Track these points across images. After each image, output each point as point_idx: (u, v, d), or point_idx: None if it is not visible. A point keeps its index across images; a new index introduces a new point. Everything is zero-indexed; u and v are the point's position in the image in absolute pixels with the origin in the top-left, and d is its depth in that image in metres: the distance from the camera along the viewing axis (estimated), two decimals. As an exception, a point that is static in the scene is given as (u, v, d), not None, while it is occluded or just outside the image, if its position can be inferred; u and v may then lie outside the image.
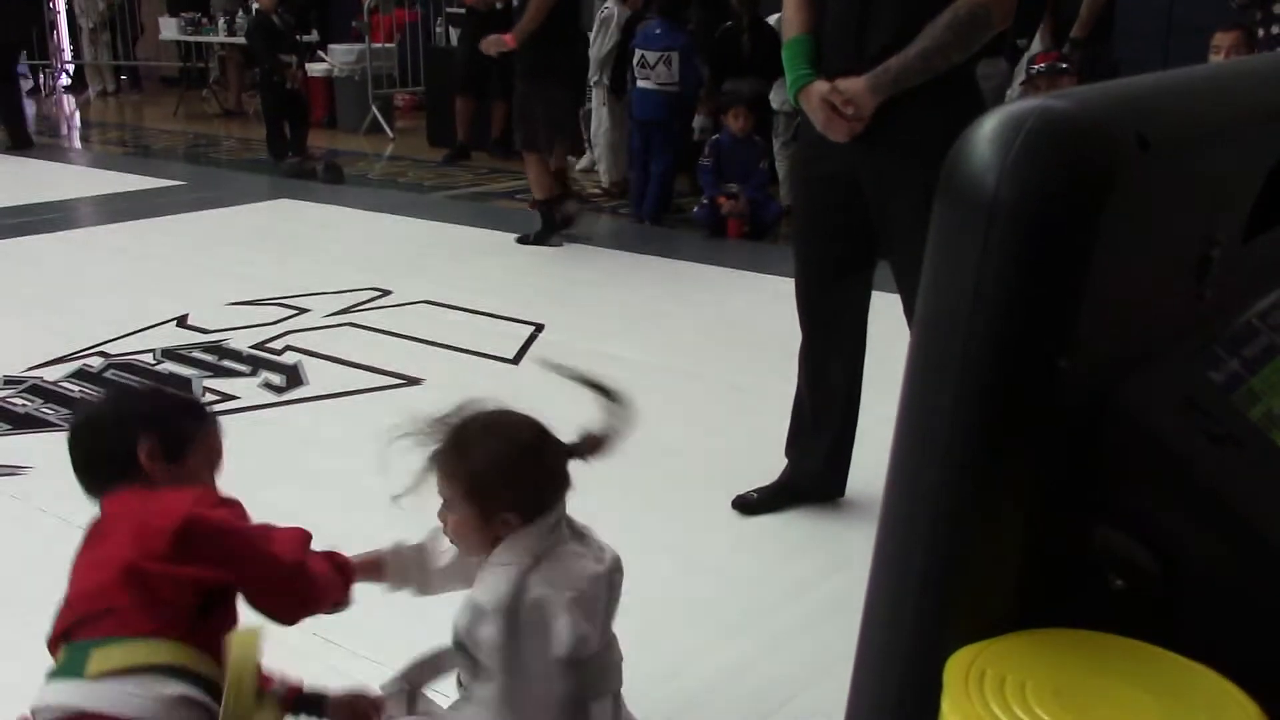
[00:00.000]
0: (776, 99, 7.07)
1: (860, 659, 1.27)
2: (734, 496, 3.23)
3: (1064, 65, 6.20)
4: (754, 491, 3.24)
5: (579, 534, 1.83)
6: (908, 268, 2.76)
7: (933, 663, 1.13)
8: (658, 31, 7.17)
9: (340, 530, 2.95)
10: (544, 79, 6.28)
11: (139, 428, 1.76)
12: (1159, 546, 1.16)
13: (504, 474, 1.75)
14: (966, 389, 1.10)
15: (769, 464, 3.27)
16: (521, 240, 6.46)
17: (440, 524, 1.83)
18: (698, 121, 7.67)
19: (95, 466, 1.79)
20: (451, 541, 1.84)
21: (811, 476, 3.23)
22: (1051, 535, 1.17)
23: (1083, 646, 1.17)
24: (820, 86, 2.76)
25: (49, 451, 3.56)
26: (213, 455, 1.85)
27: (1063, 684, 1.12)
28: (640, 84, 7.20)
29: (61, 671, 1.66)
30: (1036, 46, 7.00)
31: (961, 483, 1.12)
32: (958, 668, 1.13)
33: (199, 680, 1.62)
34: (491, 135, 9.60)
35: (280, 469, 3.39)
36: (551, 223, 6.52)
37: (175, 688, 1.59)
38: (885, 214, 2.83)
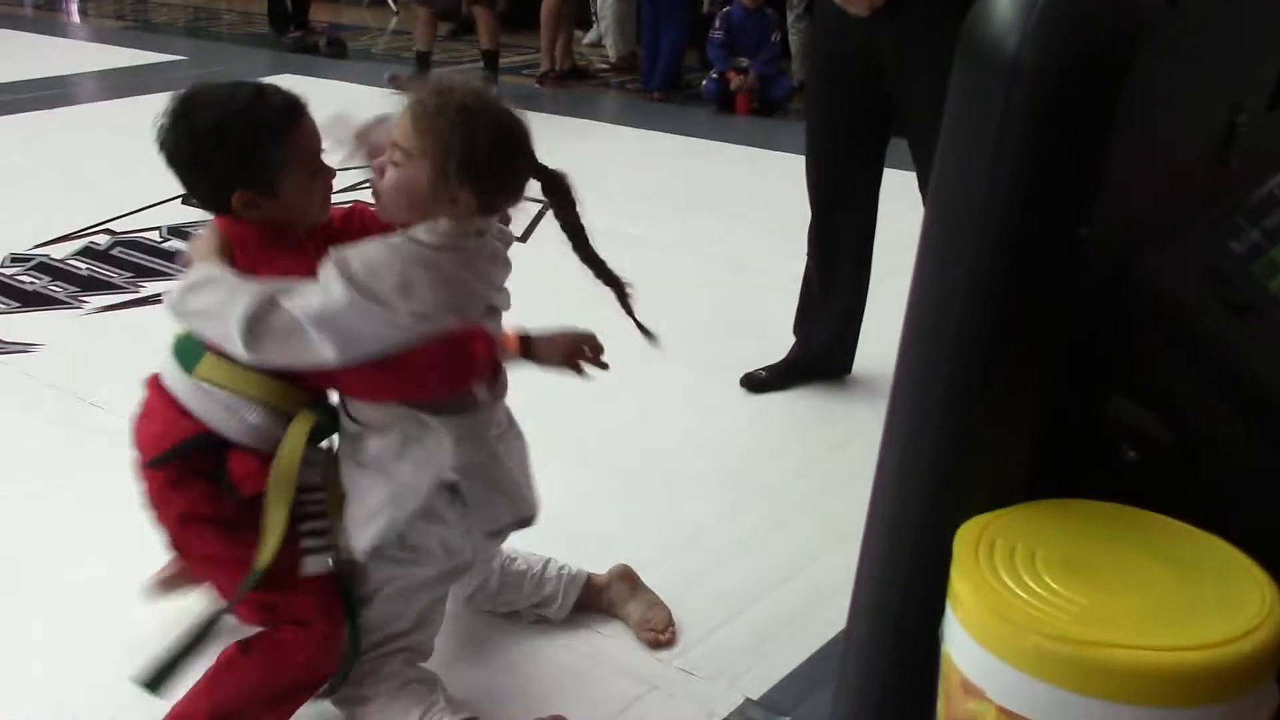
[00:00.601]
0: (792, -31, 6.89)
1: (870, 529, 1.28)
2: (742, 374, 3.23)
3: None
4: (762, 370, 3.24)
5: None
6: (926, 141, 2.71)
7: (942, 533, 1.13)
8: (663, -102, 6.96)
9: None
10: None
11: (229, 184, 1.70)
12: (1173, 418, 1.15)
13: (482, 148, 1.64)
14: (983, 256, 1.08)
15: (777, 342, 3.26)
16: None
17: (375, 171, 1.73)
18: (708, -9, 7.51)
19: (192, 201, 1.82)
20: (377, 193, 1.72)
21: (819, 354, 3.22)
22: (1065, 406, 1.16)
23: (1093, 516, 1.17)
24: None
25: (58, 329, 3.56)
26: (309, 163, 1.76)
27: (1072, 553, 1.12)
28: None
29: (178, 352, 1.80)
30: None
31: (976, 352, 1.11)
32: (967, 537, 1.13)
33: (283, 416, 1.76)
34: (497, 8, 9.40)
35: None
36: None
37: (257, 418, 1.75)
38: (904, 88, 2.78)
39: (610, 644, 2.15)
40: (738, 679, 2.06)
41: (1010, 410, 1.15)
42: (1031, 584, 1.08)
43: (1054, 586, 1.08)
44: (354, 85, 7.37)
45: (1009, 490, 1.16)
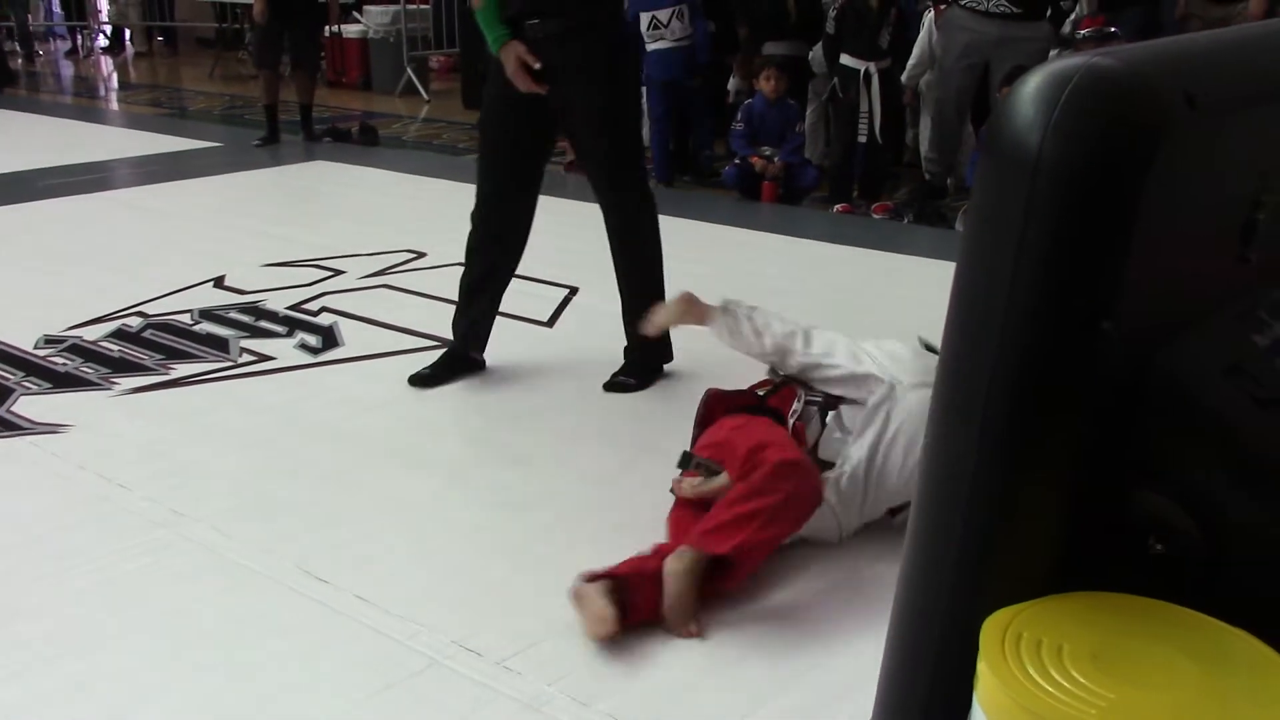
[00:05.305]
0: (818, 62, 6.96)
1: (894, 623, 1.27)
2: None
3: (1113, 30, 6.00)
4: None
5: None
6: (579, 126, 3.68)
7: (969, 624, 1.13)
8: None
9: (376, 485, 2.97)
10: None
11: None
12: (1200, 511, 1.15)
13: None
14: (1007, 350, 1.09)
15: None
16: (258, 143, 8.27)
17: None
18: (733, 84, 7.60)
19: None
20: None
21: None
22: (1091, 498, 1.16)
23: (1121, 610, 1.16)
24: (519, 46, 3.51)
25: (88, 410, 3.59)
26: None
27: (1100, 647, 1.11)
28: (657, 45, 7.01)
29: None
30: (1083, 10, 6.87)
31: (1001, 444, 1.11)
32: (994, 629, 1.12)
33: None
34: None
35: (317, 428, 3.41)
36: (273, 127, 8.38)
37: None
38: (570, 121, 3.67)
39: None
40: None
41: (1036, 503, 1.15)
42: (1059, 678, 1.07)
43: (1081, 681, 1.07)
44: (385, 171, 7.49)
45: (1036, 582, 1.16)
